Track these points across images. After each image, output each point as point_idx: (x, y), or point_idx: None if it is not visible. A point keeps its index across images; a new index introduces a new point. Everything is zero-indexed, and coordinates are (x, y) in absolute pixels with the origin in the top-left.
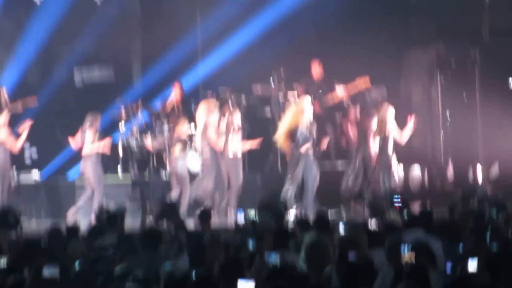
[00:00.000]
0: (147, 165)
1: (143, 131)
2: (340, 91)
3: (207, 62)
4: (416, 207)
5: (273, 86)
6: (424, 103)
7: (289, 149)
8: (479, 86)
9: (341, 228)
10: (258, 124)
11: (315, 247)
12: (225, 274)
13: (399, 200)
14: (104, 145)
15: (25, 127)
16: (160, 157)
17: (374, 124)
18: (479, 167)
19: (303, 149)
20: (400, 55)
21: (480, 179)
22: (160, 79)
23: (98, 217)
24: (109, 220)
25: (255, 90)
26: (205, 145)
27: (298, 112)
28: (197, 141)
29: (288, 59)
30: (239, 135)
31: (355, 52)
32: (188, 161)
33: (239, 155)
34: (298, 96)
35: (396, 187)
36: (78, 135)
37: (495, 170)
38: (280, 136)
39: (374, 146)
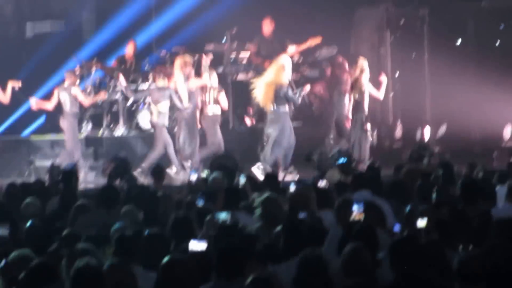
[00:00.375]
0: (101, 122)
1: (97, 88)
2: (292, 50)
3: (160, 20)
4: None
5: (226, 45)
6: (373, 63)
7: (269, 107)
8: (428, 46)
9: (292, 188)
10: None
11: (269, 204)
12: (176, 231)
13: (346, 161)
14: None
15: None
16: (115, 114)
17: (346, 83)
18: (427, 128)
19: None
20: (350, 14)
21: (427, 139)
22: (114, 36)
23: (51, 175)
24: (63, 178)
25: (208, 50)
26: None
27: (279, 69)
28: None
29: (240, 19)
30: (217, 94)
31: (306, 11)
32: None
33: (218, 114)
34: (250, 55)
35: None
36: (55, 95)
37: (442, 130)
38: (261, 94)
39: (348, 106)
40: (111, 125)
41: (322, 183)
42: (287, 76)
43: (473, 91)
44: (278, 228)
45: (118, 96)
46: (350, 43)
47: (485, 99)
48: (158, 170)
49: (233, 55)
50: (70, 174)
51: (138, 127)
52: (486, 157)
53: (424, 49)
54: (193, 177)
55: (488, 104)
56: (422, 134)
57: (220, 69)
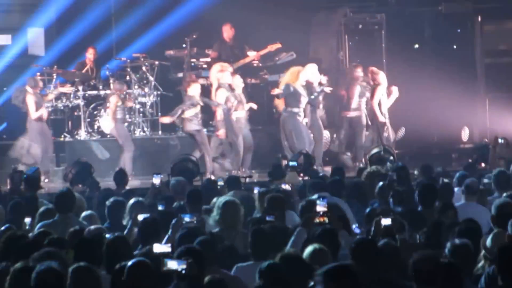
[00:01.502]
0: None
1: (58, 95)
2: (252, 55)
3: (120, 26)
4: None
5: (186, 51)
6: (332, 68)
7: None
8: (385, 50)
9: (255, 191)
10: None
11: (227, 207)
12: (141, 234)
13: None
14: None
15: None
16: (77, 119)
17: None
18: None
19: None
20: (309, 19)
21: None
22: (74, 44)
23: (12, 180)
24: (25, 182)
25: (168, 56)
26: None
27: (297, 71)
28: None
29: (200, 25)
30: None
31: (265, 16)
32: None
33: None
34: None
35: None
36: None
37: (400, 133)
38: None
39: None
40: (73, 130)
41: (285, 186)
42: (301, 79)
43: (431, 94)
44: (241, 230)
45: (79, 101)
46: (309, 47)
47: (443, 102)
48: (120, 174)
49: (193, 61)
50: (33, 179)
51: (99, 131)
52: (444, 159)
53: (382, 53)
54: (156, 181)
55: (446, 106)
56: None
57: (180, 75)
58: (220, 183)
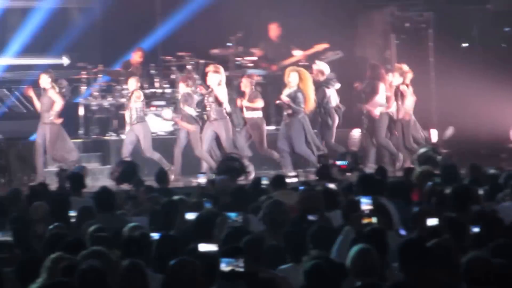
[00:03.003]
0: (108, 127)
1: (103, 94)
2: (298, 54)
3: (166, 25)
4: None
5: (231, 50)
6: None
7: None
8: (433, 49)
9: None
10: None
11: (274, 208)
12: (186, 234)
13: (346, 164)
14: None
15: None
16: (122, 117)
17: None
18: (433, 130)
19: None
20: (355, 18)
21: (434, 142)
22: (120, 42)
23: (59, 178)
24: (71, 182)
25: (213, 55)
26: None
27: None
28: None
29: (246, 23)
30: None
31: (311, 15)
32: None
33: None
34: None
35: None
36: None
37: (449, 132)
38: None
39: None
40: (118, 129)
41: (331, 185)
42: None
43: (479, 93)
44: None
45: (125, 100)
46: (355, 46)
47: (491, 101)
48: (162, 173)
49: (238, 60)
50: (78, 177)
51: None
52: (493, 159)
53: (429, 52)
54: (201, 180)
55: (495, 105)
56: (429, 137)
57: (226, 73)
58: (265, 181)
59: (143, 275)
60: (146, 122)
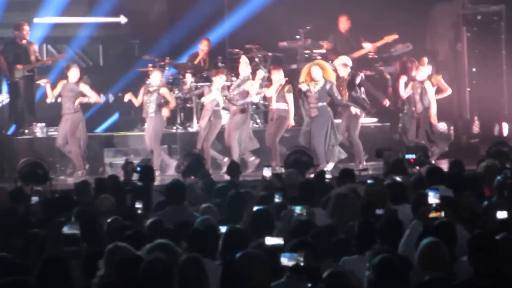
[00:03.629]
0: (175, 119)
1: (170, 87)
2: (368, 47)
3: (233, 17)
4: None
5: (300, 42)
6: (450, 59)
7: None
8: (505, 41)
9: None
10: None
11: (341, 200)
12: (253, 226)
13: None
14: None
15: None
16: (189, 110)
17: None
18: (505, 124)
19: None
20: (426, 11)
21: (506, 135)
22: (187, 34)
23: (125, 171)
24: (141, 174)
25: (281, 47)
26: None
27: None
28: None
29: (315, 16)
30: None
31: (381, 8)
32: None
33: None
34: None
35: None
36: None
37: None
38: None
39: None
40: (185, 122)
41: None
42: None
43: None
44: (352, 223)
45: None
46: (426, 39)
47: None
48: (234, 166)
49: (307, 52)
50: (147, 170)
51: None
52: None
53: (501, 45)
54: (267, 173)
55: None
56: (500, 130)
57: (294, 66)
58: (328, 176)
59: (201, 269)
60: (159, 115)
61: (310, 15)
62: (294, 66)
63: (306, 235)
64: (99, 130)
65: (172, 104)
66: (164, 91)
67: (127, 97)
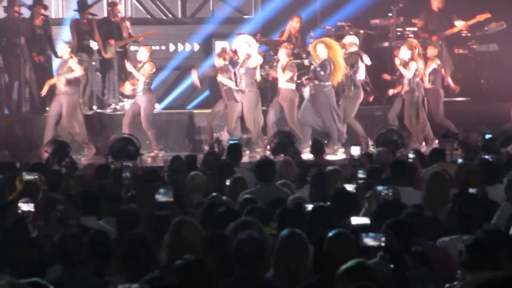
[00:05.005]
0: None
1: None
2: (460, 25)
3: None
4: None
5: (392, 20)
6: None
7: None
8: None
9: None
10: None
11: (435, 179)
12: (338, 204)
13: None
14: None
15: None
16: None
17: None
18: None
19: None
20: None
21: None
22: (279, 11)
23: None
24: (229, 152)
25: (373, 25)
26: None
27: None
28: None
29: None
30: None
31: None
32: None
33: None
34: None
35: None
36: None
37: None
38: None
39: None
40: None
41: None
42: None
43: None
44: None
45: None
46: None
47: None
48: (318, 145)
49: (399, 30)
50: (235, 148)
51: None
52: None
53: None
54: (355, 151)
55: None
56: None
57: (386, 44)
58: (411, 155)
59: (305, 245)
60: (151, 94)
61: None
62: (386, 44)
63: (392, 215)
64: (190, 106)
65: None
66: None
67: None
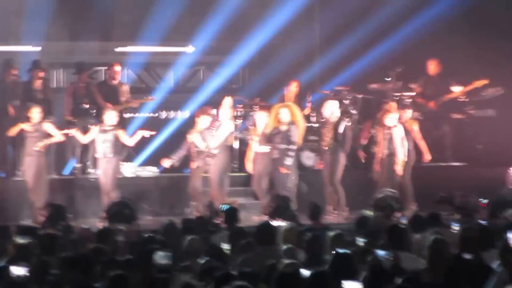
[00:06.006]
0: None
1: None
2: (457, 91)
3: (324, 58)
4: None
5: (390, 84)
6: None
7: None
8: None
9: (455, 228)
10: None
11: (438, 246)
12: (336, 270)
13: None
14: None
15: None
16: None
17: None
18: None
19: None
20: None
21: None
22: (277, 75)
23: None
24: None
25: (371, 89)
26: None
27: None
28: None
29: (404, 59)
30: None
31: (473, 52)
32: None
33: None
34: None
35: None
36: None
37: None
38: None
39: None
40: None
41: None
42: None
43: None
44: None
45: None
46: None
47: None
48: (316, 209)
49: (397, 95)
50: (233, 211)
51: (301, 165)
52: None
53: None
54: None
55: None
56: None
57: None
58: (404, 221)
59: None
60: (118, 157)
61: (401, 57)
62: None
63: (384, 280)
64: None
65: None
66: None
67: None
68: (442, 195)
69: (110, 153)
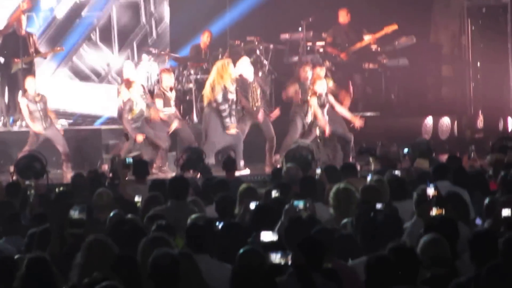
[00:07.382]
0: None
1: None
2: (368, 39)
3: (235, 9)
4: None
5: (302, 34)
6: (454, 52)
7: None
8: (510, 35)
9: (369, 179)
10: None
11: (343, 194)
12: (254, 222)
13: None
14: None
15: None
16: (189, 103)
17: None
18: (510, 118)
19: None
20: (430, 2)
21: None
22: (188, 26)
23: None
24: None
25: (283, 39)
26: None
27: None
28: None
29: (316, 8)
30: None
31: (384, 2)
32: None
33: None
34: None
35: None
36: None
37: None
38: None
39: None
40: (185, 115)
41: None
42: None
43: None
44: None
45: (191, 85)
46: (430, 32)
47: None
48: (229, 161)
49: (309, 44)
50: (142, 164)
51: None
52: None
53: (507, 38)
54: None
55: None
56: (505, 125)
57: (295, 59)
58: (318, 171)
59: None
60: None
61: (312, 6)
62: (296, 59)
63: (303, 231)
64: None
65: None
66: None
67: None
68: (363, 146)
69: None
